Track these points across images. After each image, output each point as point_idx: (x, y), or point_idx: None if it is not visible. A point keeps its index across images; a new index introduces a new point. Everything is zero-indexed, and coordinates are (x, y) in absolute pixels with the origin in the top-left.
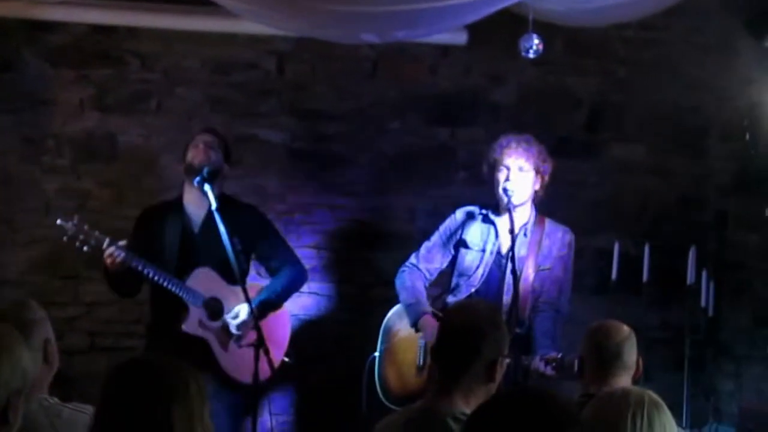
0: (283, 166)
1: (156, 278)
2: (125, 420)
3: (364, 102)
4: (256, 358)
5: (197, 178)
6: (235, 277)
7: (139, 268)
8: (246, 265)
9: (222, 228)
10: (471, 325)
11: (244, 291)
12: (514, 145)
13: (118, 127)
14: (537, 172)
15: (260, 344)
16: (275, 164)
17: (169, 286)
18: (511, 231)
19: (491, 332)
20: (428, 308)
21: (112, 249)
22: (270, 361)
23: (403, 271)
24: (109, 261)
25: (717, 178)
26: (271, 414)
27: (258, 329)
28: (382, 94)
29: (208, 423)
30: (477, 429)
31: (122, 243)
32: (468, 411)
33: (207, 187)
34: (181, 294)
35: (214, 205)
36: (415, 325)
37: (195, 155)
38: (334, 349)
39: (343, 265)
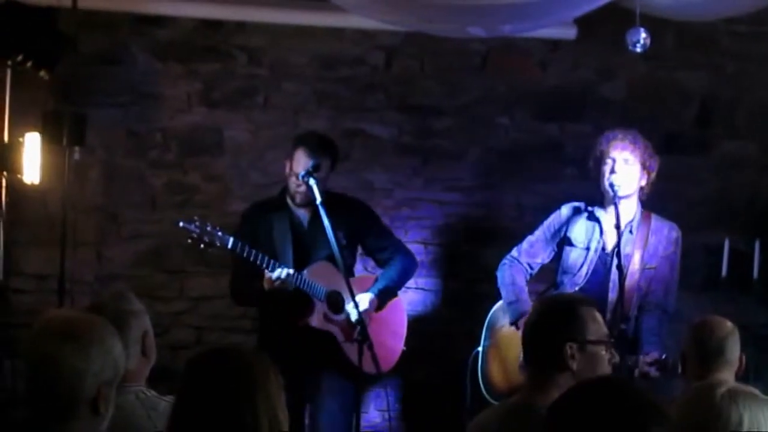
0: (390, 161)
1: (291, 278)
2: (207, 408)
3: (473, 97)
4: (360, 353)
5: (302, 173)
6: (343, 271)
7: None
8: (351, 260)
9: (326, 222)
10: (545, 316)
11: (348, 285)
12: (620, 137)
13: (225, 121)
14: (643, 167)
15: (364, 339)
16: (382, 159)
17: (297, 283)
18: (617, 226)
19: (564, 320)
20: (529, 307)
21: (279, 271)
22: (374, 356)
23: (504, 264)
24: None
25: None
26: (384, 409)
27: (362, 325)
28: (491, 89)
29: (285, 411)
30: (557, 418)
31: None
32: None
33: (312, 182)
34: (306, 289)
35: (318, 199)
36: (515, 323)
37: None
38: (440, 344)
39: (450, 260)
